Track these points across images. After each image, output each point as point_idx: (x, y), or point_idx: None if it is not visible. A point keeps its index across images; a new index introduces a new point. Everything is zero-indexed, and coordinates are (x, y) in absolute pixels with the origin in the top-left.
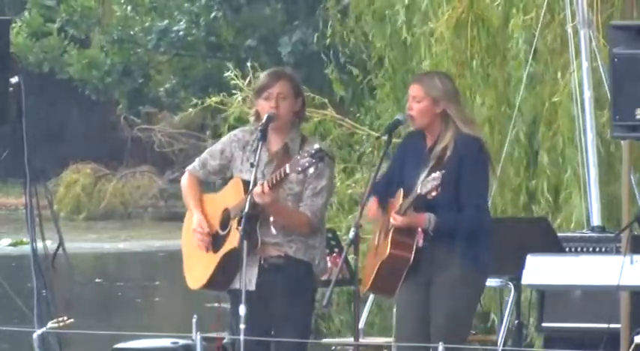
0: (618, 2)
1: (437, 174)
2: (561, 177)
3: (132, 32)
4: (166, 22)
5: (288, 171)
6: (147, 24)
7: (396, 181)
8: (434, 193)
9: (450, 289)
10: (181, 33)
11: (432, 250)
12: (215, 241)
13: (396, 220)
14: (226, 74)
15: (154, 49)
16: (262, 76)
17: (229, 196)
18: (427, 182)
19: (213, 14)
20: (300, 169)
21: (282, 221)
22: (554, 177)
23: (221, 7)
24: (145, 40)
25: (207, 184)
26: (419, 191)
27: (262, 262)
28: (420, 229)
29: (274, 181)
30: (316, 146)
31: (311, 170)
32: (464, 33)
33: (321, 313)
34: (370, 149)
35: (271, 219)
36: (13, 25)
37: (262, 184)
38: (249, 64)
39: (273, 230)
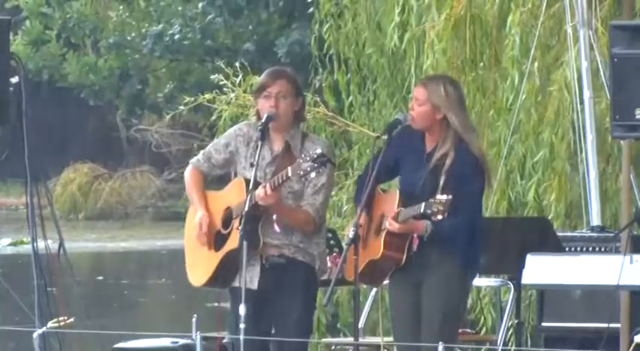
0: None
1: (444, 198)
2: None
3: (129, 38)
4: (161, 26)
5: (290, 174)
6: (143, 30)
7: (388, 172)
8: (440, 217)
9: (439, 288)
10: (177, 36)
11: (422, 252)
12: (217, 240)
13: (393, 226)
14: (213, 76)
15: (149, 53)
16: (262, 75)
17: (232, 195)
18: (433, 204)
19: (209, 17)
20: (301, 173)
21: (285, 220)
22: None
23: (219, 11)
24: (141, 45)
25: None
26: (422, 211)
27: (264, 261)
28: (415, 235)
29: (276, 184)
30: (318, 151)
31: (312, 175)
32: (461, 34)
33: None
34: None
35: (274, 217)
36: (15, 37)
37: (264, 187)
38: (237, 64)
39: (277, 228)
